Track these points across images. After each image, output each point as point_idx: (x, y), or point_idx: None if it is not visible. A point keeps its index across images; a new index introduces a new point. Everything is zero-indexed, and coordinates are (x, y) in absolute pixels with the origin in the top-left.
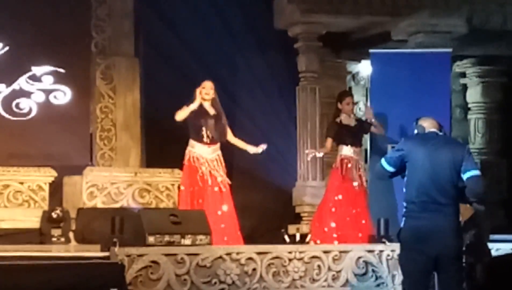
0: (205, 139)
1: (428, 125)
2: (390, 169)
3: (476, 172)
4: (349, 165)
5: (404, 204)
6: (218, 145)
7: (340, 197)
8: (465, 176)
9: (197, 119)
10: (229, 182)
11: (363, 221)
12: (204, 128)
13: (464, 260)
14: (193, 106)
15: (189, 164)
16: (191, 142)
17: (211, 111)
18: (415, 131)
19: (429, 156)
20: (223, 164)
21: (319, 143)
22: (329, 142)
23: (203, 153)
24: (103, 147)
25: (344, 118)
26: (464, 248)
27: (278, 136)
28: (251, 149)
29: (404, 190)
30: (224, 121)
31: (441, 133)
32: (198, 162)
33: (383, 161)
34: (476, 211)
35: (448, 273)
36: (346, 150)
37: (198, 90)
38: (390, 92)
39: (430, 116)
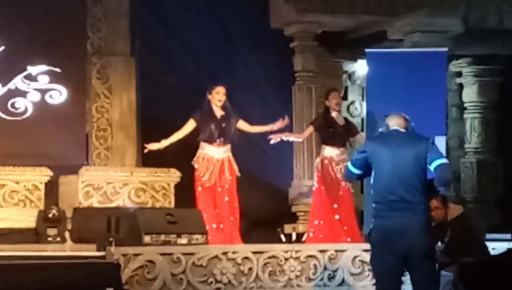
0: (214, 141)
1: (392, 123)
2: (356, 171)
3: (444, 160)
4: (330, 167)
5: (373, 205)
6: (229, 146)
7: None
8: (432, 166)
9: (207, 122)
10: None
11: (351, 224)
12: (213, 130)
13: (439, 260)
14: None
15: (198, 164)
16: (202, 144)
17: (220, 113)
18: (380, 129)
19: (393, 155)
20: (234, 164)
21: (315, 143)
22: (308, 130)
23: (213, 154)
24: (99, 146)
25: (335, 117)
26: (443, 246)
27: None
28: (276, 125)
29: (371, 191)
30: (233, 121)
31: (402, 130)
32: (207, 162)
33: (349, 164)
34: (465, 210)
35: (419, 272)
36: (328, 151)
37: (211, 96)
38: (386, 92)
39: (398, 113)
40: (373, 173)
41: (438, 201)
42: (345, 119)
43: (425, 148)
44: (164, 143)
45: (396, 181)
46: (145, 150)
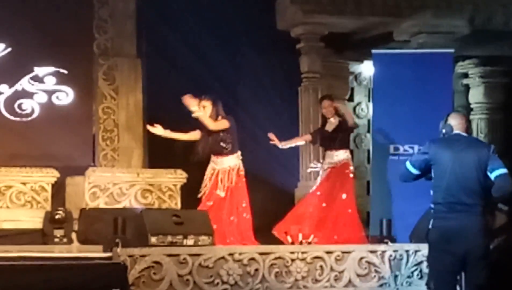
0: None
1: (455, 124)
2: (415, 171)
3: (504, 170)
4: (327, 172)
5: (432, 205)
6: (227, 157)
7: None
8: (493, 175)
9: (204, 137)
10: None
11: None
12: (206, 146)
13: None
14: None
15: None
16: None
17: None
18: (443, 131)
19: (455, 159)
20: (233, 176)
21: None
22: (306, 136)
23: (214, 164)
24: (105, 147)
25: (328, 122)
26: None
27: (280, 137)
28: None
29: (431, 192)
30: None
31: (464, 134)
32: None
33: (408, 163)
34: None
35: (475, 272)
36: (327, 156)
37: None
38: (392, 93)
39: (460, 112)
40: (433, 175)
41: None
42: (339, 121)
43: (487, 155)
44: (167, 133)
45: (457, 184)
46: (148, 127)
